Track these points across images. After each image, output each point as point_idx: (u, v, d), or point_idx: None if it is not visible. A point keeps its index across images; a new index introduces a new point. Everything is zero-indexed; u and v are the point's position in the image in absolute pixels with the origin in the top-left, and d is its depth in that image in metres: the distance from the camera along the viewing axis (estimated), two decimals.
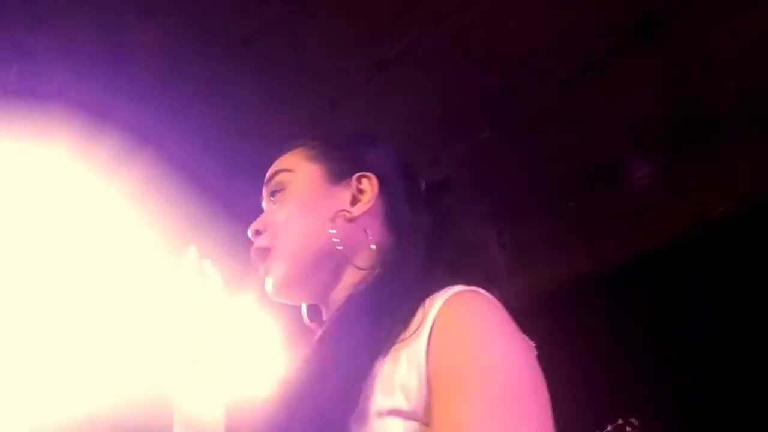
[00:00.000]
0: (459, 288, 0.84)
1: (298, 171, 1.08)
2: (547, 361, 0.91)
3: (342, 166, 1.04)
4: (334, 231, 0.96)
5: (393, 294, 0.85)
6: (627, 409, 2.85)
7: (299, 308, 1.06)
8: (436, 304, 0.80)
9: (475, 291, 0.85)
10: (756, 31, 2.96)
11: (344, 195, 1.01)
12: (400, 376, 0.75)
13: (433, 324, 0.78)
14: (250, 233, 1.09)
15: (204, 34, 3.90)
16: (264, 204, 1.17)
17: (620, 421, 2.90)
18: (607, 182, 3.55)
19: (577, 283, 3.85)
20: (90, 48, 3.42)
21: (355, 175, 1.02)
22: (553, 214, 3.77)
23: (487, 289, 0.87)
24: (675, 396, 3.31)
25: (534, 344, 0.87)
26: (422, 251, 0.94)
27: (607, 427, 2.84)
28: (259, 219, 1.10)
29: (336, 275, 0.99)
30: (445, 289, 0.83)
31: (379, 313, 0.82)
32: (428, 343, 0.77)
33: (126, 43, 3.80)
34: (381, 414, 0.73)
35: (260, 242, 1.05)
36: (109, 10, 3.49)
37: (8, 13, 3.06)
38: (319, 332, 0.96)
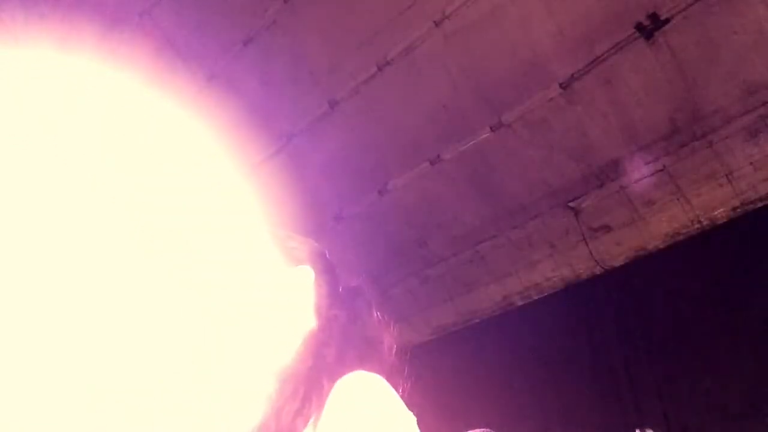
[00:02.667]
0: (365, 373, 1.03)
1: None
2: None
3: (285, 257, 1.20)
4: None
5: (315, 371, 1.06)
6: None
7: None
8: (347, 384, 1.01)
9: (376, 378, 1.03)
10: (756, 31, 2.96)
11: None
12: None
13: (345, 401, 0.98)
14: None
15: (204, 34, 3.91)
16: None
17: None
18: (607, 182, 3.55)
19: (578, 283, 3.85)
20: None
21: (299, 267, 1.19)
22: (553, 214, 3.77)
23: (387, 375, 1.06)
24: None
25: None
26: (338, 340, 1.12)
27: None
28: None
29: None
30: (354, 373, 1.03)
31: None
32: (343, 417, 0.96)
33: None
34: None
35: None
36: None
37: None
38: None
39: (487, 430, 2.43)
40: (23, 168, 3.45)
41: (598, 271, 3.75)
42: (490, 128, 3.65)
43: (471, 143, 3.74)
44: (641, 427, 2.94)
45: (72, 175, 3.63)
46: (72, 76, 3.66)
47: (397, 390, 1.03)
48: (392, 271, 4.37)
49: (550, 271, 3.91)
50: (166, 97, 3.94)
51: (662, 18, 3.07)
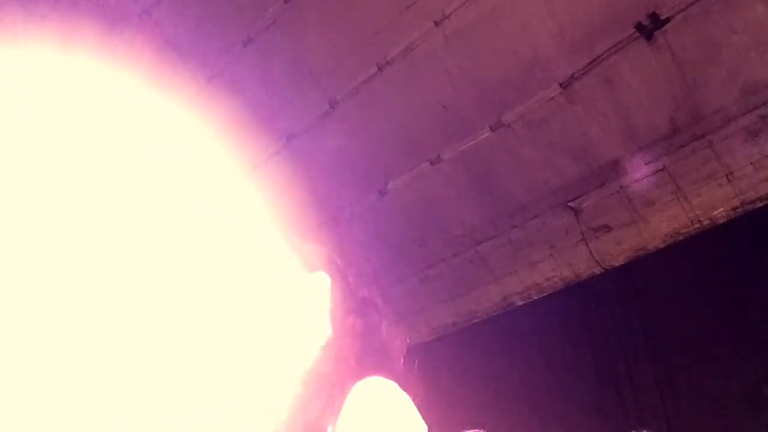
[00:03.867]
0: (381, 379, 1.05)
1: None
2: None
3: (301, 263, 1.22)
4: None
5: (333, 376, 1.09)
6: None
7: None
8: (363, 388, 1.02)
9: (392, 384, 1.05)
10: (756, 31, 2.96)
11: None
12: None
13: (361, 405, 1.00)
14: None
15: (204, 34, 3.91)
16: None
17: None
18: (607, 182, 3.55)
19: (578, 283, 3.85)
20: None
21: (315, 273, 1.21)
22: (553, 214, 3.77)
23: (400, 383, 1.07)
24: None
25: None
26: (357, 347, 1.14)
27: None
28: None
29: None
30: (371, 378, 1.04)
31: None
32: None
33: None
34: None
35: None
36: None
37: None
38: None
39: (482, 431, 2.44)
40: (23, 168, 3.45)
41: (598, 271, 3.75)
42: (490, 128, 3.65)
43: (471, 143, 3.74)
44: (637, 428, 2.94)
45: (71, 175, 3.63)
46: (72, 76, 3.66)
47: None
48: (392, 271, 4.37)
49: (550, 271, 3.91)
50: (166, 97, 3.94)
51: (662, 18, 3.07)
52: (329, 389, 1.04)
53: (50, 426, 3.15)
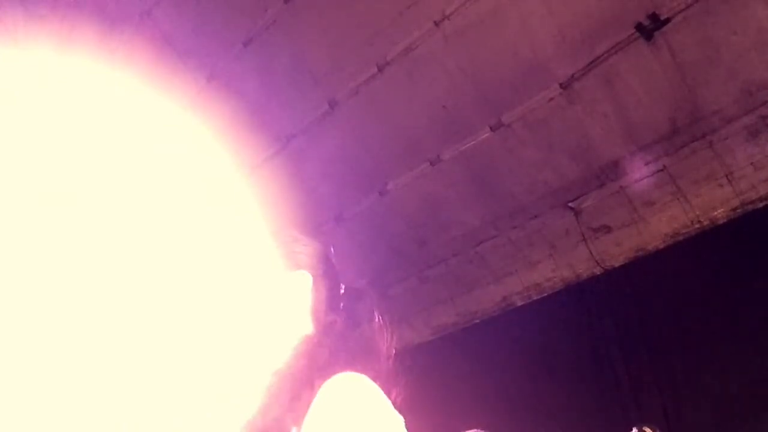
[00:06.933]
0: (352, 374, 1.02)
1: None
2: None
3: (287, 262, 1.20)
4: None
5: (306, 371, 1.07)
6: None
7: None
8: (334, 383, 1.00)
9: (361, 377, 1.03)
10: (756, 31, 2.96)
11: None
12: None
13: (330, 400, 0.98)
14: None
15: (204, 35, 3.91)
16: None
17: (635, 430, 2.93)
18: (607, 182, 3.55)
19: (578, 283, 3.85)
20: None
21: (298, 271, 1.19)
22: (553, 214, 3.77)
23: (383, 380, 1.06)
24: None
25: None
26: (332, 343, 1.12)
27: None
28: None
29: None
30: (342, 374, 1.02)
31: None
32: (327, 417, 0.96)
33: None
34: None
35: None
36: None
37: None
38: None
39: (481, 431, 2.44)
40: (23, 168, 3.45)
41: (598, 271, 3.75)
42: (490, 128, 3.65)
43: (471, 143, 3.74)
44: (639, 425, 2.95)
45: (71, 175, 3.63)
46: (72, 76, 3.66)
47: (389, 396, 1.02)
48: (392, 271, 4.37)
49: (550, 271, 3.91)
50: (165, 97, 3.94)
51: (662, 18, 3.06)
52: (294, 388, 1.02)
53: (50, 426, 3.15)
